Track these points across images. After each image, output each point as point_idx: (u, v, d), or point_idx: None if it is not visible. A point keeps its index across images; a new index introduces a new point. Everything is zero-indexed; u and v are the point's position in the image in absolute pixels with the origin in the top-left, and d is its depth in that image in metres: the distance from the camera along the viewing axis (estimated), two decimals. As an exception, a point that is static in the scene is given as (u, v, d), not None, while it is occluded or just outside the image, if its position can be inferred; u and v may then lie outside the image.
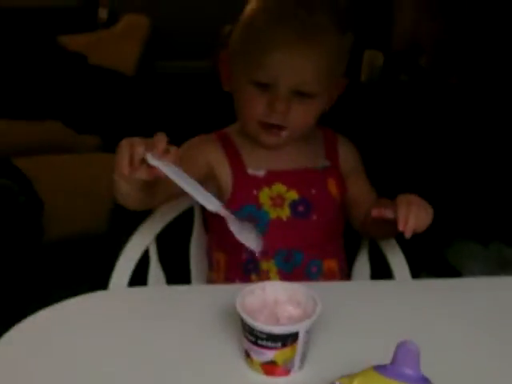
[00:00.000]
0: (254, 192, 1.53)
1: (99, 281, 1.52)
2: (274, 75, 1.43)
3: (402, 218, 1.31)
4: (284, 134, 1.49)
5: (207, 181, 1.51)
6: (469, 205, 3.16)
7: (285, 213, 1.54)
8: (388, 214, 1.34)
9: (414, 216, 1.30)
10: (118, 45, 4.11)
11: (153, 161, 1.20)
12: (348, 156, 1.63)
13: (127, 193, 1.34)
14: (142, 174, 1.23)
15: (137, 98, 3.80)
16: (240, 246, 1.53)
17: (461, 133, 3.43)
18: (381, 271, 1.60)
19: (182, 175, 1.22)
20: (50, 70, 3.51)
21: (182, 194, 1.28)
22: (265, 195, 1.53)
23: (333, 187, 1.58)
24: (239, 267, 1.56)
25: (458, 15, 3.72)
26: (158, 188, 1.38)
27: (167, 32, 4.99)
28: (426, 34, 3.79)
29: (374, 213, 1.37)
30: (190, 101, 4.23)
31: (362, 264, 1.69)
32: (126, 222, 1.64)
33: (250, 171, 1.55)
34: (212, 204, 1.24)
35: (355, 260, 1.68)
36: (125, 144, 1.23)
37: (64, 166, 2.99)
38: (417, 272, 1.61)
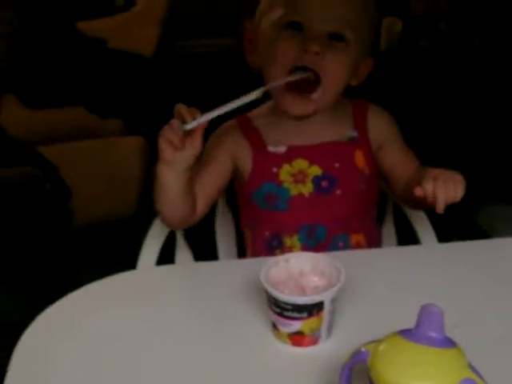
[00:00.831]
0: (274, 170, 1.51)
1: (127, 263, 1.53)
2: (308, 14, 1.40)
3: (429, 196, 1.29)
4: (315, 96, 1.43)
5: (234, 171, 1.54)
6: (498, 167, 3.13)
7: (307, 188, 1.51)
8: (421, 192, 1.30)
9: (441, 192, 1.27)
10: (137, 27, 4.10)
11: (189, 124, 1.26)
12: (379, 126, 1.57)
13: (171, 185, 1.35)
14: (189, 149, 1.29)
15: (157, 79, 3.80)
16: (264, 223, 1.54)
17: (485, 95, 3.39)
18: (407, 239, 1.60)
19: (216, 110, 1.27)
20: (70, 57, 3.52)
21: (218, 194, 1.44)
22: (285, 172, 1.51)
23: (360, 160, 1.54)
24: (263, 244, 1.55)
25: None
26: (197, 188, 1.44)
27: (185, 12, 4.97)
28: (444, -2, 3.75)
29: (418, 192, 1.31)
30: (212, 79, 4.23)
31: (388, 231, 1.69)
32: (153, 206, 1.64)
33: (271, 148, 1.52)
34: (254, 93, 1.29)
35: (381, 228, 1.68)
36: (160, 134, 1.28)
37: (89, 152, 3.00)
38: (447, 238, 1.60)
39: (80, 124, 3.27)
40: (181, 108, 1.28)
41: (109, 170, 2.86)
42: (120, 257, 1.81)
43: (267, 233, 1.55)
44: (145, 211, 2.50)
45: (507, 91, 3.36)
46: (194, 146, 1.30)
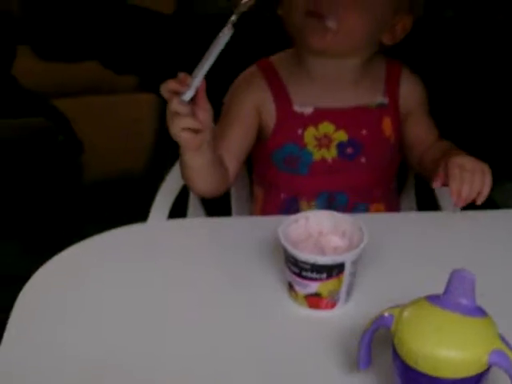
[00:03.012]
0: (299, 131, 1.45)
1: (139, 218, 1.48)
2: None
3: (454, 190, 1.25)
4: (332, 24, 1.34)
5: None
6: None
7: (331, 154, 1.45)
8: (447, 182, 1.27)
9: (467, 186, 1.24)
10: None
11: (187, 94, 1.15)
12: (411, 93, 1.51)
13: (201, 165, 1.28)
14: (204, 118, 1.18)
15: (175, 38, 3.75)
16: (281, 185, 1.48)
17: (508, 71, 3.33)
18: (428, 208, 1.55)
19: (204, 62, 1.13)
20: (86, 11, 3.47)
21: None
22: (310, 135, 1.45)
23: (388, 127, 1.48)
24: (277, 206, 1.50)
25: None
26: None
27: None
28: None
29: (436, 184, 1.30)
30: (231, 40, 4.17)
31: (409, 201, 1.64)
32: (166, 162, 1.59)
33: (297, 108, 1.45)
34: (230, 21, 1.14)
35: (401, 193, 1.63)
36: (174, 133, 1.18)
37: (102, 107, 2.97)
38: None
39: (94, 79, 3.23)
40: (168, 84, 1.16)
41: (121, 126, 2.82)
42: (130, 214, 1.76)
43: (283, 195, 1.50)
44: (157, 169, 2.46)
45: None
46: (207, 111, 1.19)
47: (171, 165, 1.55)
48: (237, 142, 1.44)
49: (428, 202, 1.57)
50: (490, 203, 2.88)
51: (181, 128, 1.17)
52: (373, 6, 1.38)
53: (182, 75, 1.16)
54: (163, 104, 1.21)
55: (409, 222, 1.36)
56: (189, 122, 1.17)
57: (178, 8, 3.94)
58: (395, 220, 1.39)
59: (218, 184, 1.38)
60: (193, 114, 1.16)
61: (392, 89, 1.50)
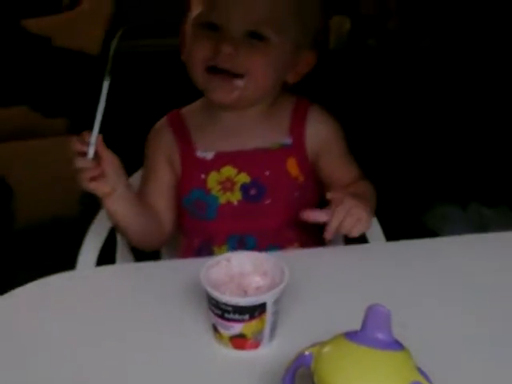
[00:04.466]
0: (202, 176, 1.47)
1: (69, 266, 1.47)
2: (224, 15, 1.36)
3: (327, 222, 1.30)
4: (239, 83, 1.38)
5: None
6: (445, 168, 3.12)
7: (235, 197, 1.47)
8: (319, 217, 1.32)
9: (336, 219, 1.28)
10: (83, 26, 4.04)
11: (89, 152, 1.25)
12: (318, 132, 1.50)
13: (123, 210, 1.34)
14: (108, 168, 1.27)
15: (102, 78, 3.75)
16: (193, 231, 1.50)
17: (432, 95, 3.39)
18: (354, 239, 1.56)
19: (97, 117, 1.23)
20: (14, 54, 3.45)
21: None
22: (213, 180, 1.46)
23: (293, 167, 1.48)
24: (193, 251, 1.51)
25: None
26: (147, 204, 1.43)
27: (130, 12, 4.91)
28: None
29: (303, 216, 1.33)
30: (158, 79, 4.17)
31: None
32: (97, 207, 1.59)
33: (199, 154, 1.48)
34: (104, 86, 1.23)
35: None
36: (81, 182, 1.27)
37: (33, 151, 2.95)
38: (395, 239, 1.57)
39: (23, 123, 3.20)
40: (73, 146, 1.26)
41: (53, 170, 2.79)
42: (62, 259, 1.75)
43: (196, 241, 1.51)
44: (89, 213, 2.45)
45: (455, 91, 3.36)
46: (109, 161, 1.27)
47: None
48: (162, 193, 1.47)
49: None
50: (421, 228, 2.92)
51: (86, 179, 1.26)
52: (280, 55, 1.41)
53: (83, 133, 1.25)
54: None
55: (333, 257, 1.37)
56: (90, 173, 1.25)
57: (104, 48, 3.94)
58: (319, 255, 1.40)
59: (150, 235, 1.43)
60: (97, 165, 1.25)
61: (297, 129, 1.49)
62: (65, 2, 4.60)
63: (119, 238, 1.56)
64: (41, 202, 2.60)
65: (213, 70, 1.38)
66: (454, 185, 3.03)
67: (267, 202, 1.47)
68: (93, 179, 1.26)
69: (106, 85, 1.21)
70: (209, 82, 1.40)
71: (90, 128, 1.24)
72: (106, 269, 1.38)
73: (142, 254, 1.54)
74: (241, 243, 1.47)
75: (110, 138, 1.27)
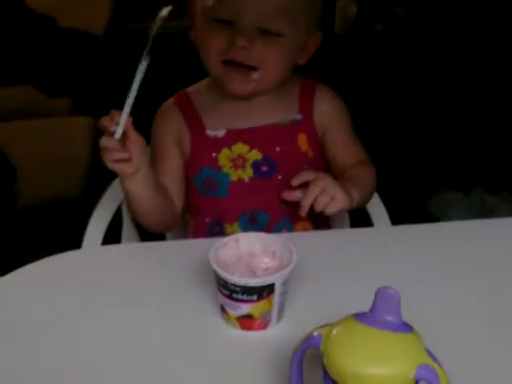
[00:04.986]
0: (213, 154, 1.47)
1: (73, 246, 1.48)
2: (235, 11, 1.37)
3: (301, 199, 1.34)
4: (255, 75, 1.41)
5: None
6: (448, 153, 3.12)
7: (247, 174, 1.47)
8: (297, 196, 1.37)
9: (310, 197, 1.32)
10: (87, 6, 4.03)
11: (117, 133, 1.23)
12: (326, 110, 1.52)
13: (142, 192, 1.34)
14: (134, 150, 1.26)
15: (107, 59, 3.73)
16: (204, 209, 1.50)
17: (437, 80, 3.38)
18: (361, 223, 1.56)
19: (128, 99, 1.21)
20: (18, 34, 3.44)
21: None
22: (224, 157, 1.47)
23: (303, 143, 1.49)
24: (204, 231, 1.52)
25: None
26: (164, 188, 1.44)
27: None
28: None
29: (283, 196, 1.40)
30: (162, 62, 4.17)
31: (341, 216, 1.65)
32: (100, 186, 1.59)
33: (209, 132, 1.48)
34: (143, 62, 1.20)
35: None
36: (105, 160, 1.26)
37: (36, 131, 2.94)
38: (398, 224, 1.58)
39: (27, 103, 3.20)
40: (101, 122, 1.25)
41: (55, 150, 2.80)
42: (65, 239, 1.75)
43: (208, 219, 1.51)
44: (91, 192, 2.45)
45: (460, 76, 3.36)
46: (136, 143, 1.27)
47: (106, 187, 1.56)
48: (170, 173, 1.47)
49: (361, 219, 1.59)
50: (425, 214, 2.92)
51: (111, 160, 1.25)
52: (293, 44, 1.43)
53: (112, 112, 1.23)
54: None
55: (341, 239, 1.38)
56: (117, 155, 1.25)
57: (109, 29, 3.93)
58: (326, 237, 1.40)
59: (164, 216, 1.43)
60: (123, 146, 1.24)
61: (306, 104, 1.52)
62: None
63: (126, 218, 1.56)
64: (44, 183, 2.59)
65: (229, 63, 1.40)
66: (456, 171, 3.03)
67: (278, 177, 1.48)
68: (118, 161, 1.26)
69: (143, 66, 1.18)
70: (225, 73, 1.42)
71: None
72: (113, 248, 1.38)
73: (147, 235, 1.55)
74: (252, 220, 1.48)
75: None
